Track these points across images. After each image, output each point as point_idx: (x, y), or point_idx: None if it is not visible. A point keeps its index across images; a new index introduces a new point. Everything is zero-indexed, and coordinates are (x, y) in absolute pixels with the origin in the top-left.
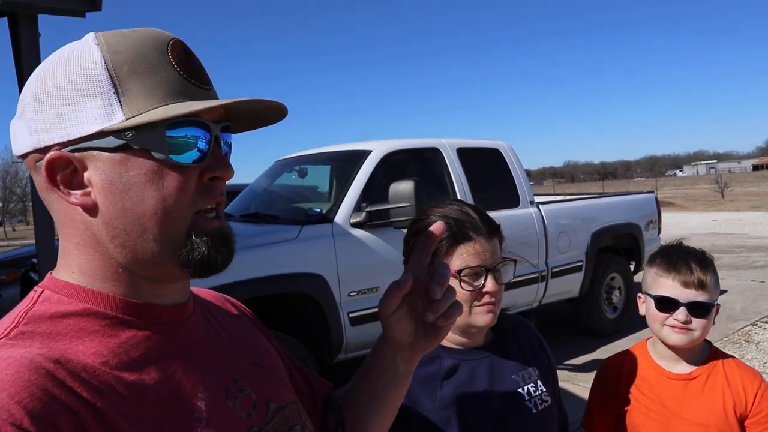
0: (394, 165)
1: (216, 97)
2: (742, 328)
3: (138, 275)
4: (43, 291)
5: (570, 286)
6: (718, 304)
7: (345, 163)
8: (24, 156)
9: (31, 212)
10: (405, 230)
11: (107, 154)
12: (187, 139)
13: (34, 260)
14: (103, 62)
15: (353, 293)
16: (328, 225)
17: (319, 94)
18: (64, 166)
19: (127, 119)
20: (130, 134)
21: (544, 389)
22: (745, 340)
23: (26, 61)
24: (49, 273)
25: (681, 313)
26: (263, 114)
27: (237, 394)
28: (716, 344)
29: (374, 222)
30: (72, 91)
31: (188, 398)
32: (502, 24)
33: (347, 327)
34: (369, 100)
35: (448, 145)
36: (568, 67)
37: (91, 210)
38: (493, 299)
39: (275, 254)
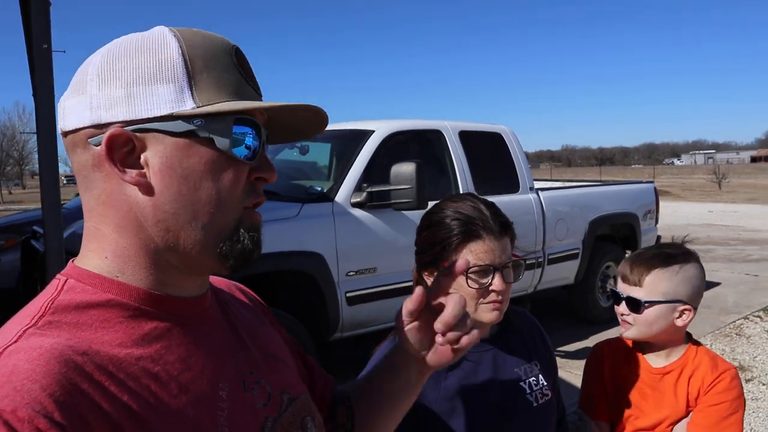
0: (396, 146)
1: None
2: (734, 322)
3: (170, 264)
4: (67, 280)
5: (566, 273)
6: (686, 307)
7: (347, 142)
8: (73, 132)
9: (27, 176)
10: (405, 212)
11: (171, 138)
12: (245, 137)
13: (36, 228)
14: (180, 53)
15: (351, 273)
16: (329, 204)
17: (320, 73)
18: (123, 144)
19: (198, 107)
20: (199, 122)
21: (545, 383)
22: (736, 334)
23: (36, 30)
24: (71, 261)
25: (621, 306)
26: (300, 127)
27: (254, 384)
28: (708, 336)
29: (374, 203)
30: (146, 74)
31: (210, 388)
32: (504, 7)
33: (344, 306)
34: (367, 82)
35: (450, 127)
36: (569, 52)
37: (145, 190)
38: (500, 297)
39: (275, 231)
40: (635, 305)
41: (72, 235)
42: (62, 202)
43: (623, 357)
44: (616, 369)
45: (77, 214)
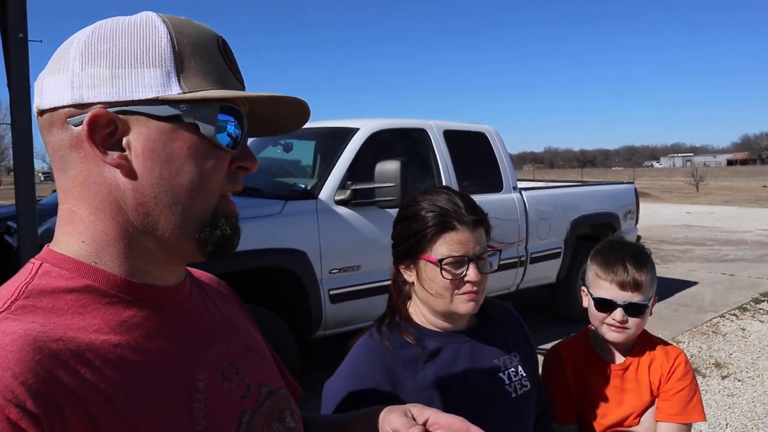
0: (380, 144)
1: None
2: (711, 320)
3: (147, 250)
4: (41, 264)
5: (548, 272)
6: (656, 297)
7: (331, 140)
8: (51, 110)
9: (3, 172)
10: (389, 210)
11: (155, 122)
12: (228, 125)
13: (10, 223)
14: (168, 38)
15: (335, 270)
16: (313, 201)
17: (306, 71)
18: (106, 125)
19: (184, 93)
20: (185, 107)
21: (525, 374)
22: (713, 332)
23: (12, 19)
24: (46, 246)
25: (618, 314)
26: (280, 121)
27: (233, 376)
28: (685, 334)
29: (358, 200)
30: (132, 57)
31: (188, 378)
32: (487, 8)
33: (327, 304)
34: (350, 82)
35: (435, 126)
36: (552, 55)
37: (126, 173)
38: (475, 288)
39: (258, 228)
40: (639, 310)
41: (47, 231)
42: (38, 198)
43: (583, 357)
44: (578, 370)
45: (53, 210)
